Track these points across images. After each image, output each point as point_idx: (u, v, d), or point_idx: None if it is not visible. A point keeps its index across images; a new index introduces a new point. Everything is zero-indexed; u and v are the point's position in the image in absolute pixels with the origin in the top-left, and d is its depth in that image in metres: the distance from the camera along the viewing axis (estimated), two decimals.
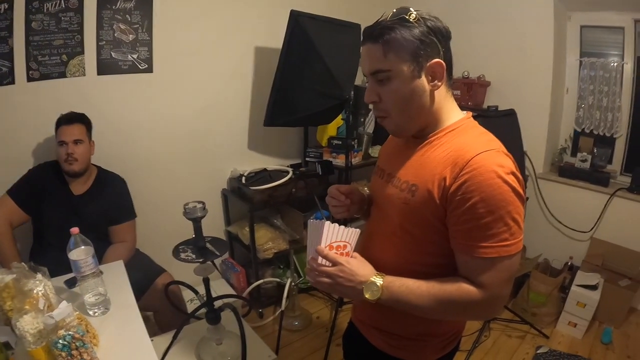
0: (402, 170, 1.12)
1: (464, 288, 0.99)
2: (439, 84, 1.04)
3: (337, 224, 1.07)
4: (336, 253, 1.08)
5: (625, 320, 3.10)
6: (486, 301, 0.98)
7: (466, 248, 0.98)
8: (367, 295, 1.03)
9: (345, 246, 1.09)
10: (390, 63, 1.00)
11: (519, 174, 0.97)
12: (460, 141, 1.03)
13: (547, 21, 3.19)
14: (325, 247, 1.07)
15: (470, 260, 0.98)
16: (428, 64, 1.00)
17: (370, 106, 1.13)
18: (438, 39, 1.00)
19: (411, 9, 1.00)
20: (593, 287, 2.93)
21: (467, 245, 0.97)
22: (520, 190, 0.96)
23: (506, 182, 0.93)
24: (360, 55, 1.08)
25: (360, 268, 1.06)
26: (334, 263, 1.05)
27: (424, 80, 1.02)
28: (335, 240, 1.07)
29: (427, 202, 1.01)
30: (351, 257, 1.10)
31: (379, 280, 1.03)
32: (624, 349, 2.85)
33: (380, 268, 1.09)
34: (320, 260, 1.07)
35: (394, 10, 1.02)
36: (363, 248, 1.26)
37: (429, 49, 0.99)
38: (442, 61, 1.01)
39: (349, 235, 1.09)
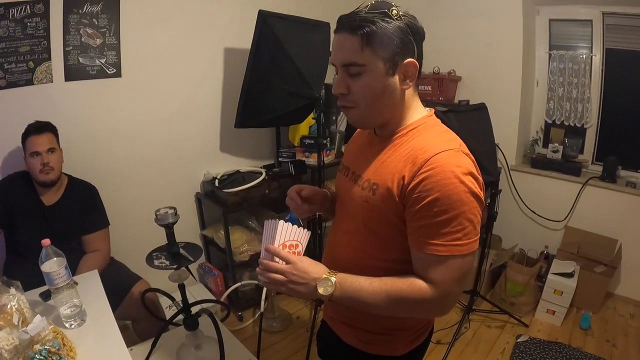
0: (365, 169, 1.13)
1: (416, 284, 0.99)
2: (411, 83, 1.03)
3: (290, 224, 1.08)
4: (289, 252, 1.08)
5: (603, 306, 3.18)
6: (436, 298, 0.98)
7: (419, 244, 0.99)
8: (320, 291, 1.03)
9: (297, 245, 1.11)
10: (367, 58, 0.97)
11: (477, 175, 0.98)
12: (420, 140, 1.03)
13: (516, 15, 3.24)
14: (279, 246, 1.07)
15: (423, 256, 0.99)
16: (403, 63, 1.00)
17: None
18: (415, 39, 1.00)
19: (393, 4, 0.98)
20: (569, 275, 3.00)
21: (420, 241, 0.98)
22: (477, 191, 0.96)
23: (462, 182, 0.93)
24: (333, 44, 1.04)
25: (313, 266, 1.06)
26: (287, 261, 1.05)
27: (396, 78, 1.01)
28: (288, 240, 1.09)
29: (387, 200, 1.02)
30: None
31: (332, 277, 1.04)
32: (602, 333, 2.93)
33: (345, 264, 1.10)
34: (273, 259, 1.07)
35: (373, 1, 0.99)
36: (329, 245, 1.27)
37: (405, 48, 0.98)
38: (416, 61, 1.00)
39: (301, 235, 1.11)
